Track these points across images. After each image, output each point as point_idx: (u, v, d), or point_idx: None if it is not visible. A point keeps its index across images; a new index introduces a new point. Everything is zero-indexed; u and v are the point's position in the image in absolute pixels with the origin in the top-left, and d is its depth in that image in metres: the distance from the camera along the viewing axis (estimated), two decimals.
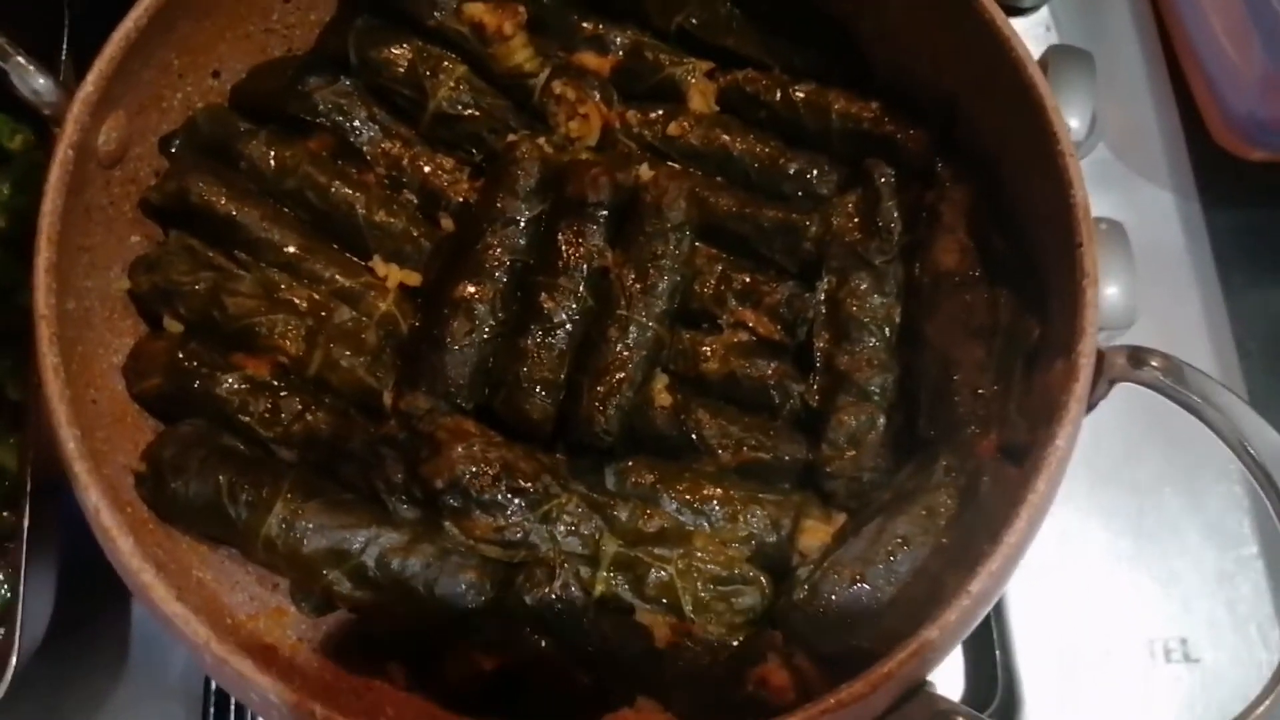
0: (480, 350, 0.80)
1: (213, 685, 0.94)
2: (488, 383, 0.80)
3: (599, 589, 0.75)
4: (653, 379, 0.82)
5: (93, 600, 0.91)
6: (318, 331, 0.79)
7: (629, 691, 0.72)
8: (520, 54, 0.87)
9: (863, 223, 0.84)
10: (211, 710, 0.93)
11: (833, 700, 0.61)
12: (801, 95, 0.88)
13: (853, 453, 0.79)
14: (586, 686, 0.72)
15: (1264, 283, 1.17)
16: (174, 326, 0.80)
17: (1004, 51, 0.77)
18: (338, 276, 0.82)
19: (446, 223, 0.86)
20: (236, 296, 0.79)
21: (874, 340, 0.82)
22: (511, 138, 0.85)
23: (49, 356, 0.65)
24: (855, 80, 0.89)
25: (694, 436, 0.81)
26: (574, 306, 0.81)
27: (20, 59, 0.70)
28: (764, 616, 0.75)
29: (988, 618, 0.89)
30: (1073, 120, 1.11)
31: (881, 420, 0.80)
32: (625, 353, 0.80)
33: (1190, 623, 1.00)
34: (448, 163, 0.87)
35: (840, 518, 0.79)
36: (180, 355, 0.78)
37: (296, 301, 0.80)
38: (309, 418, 0.78)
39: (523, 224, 0.82)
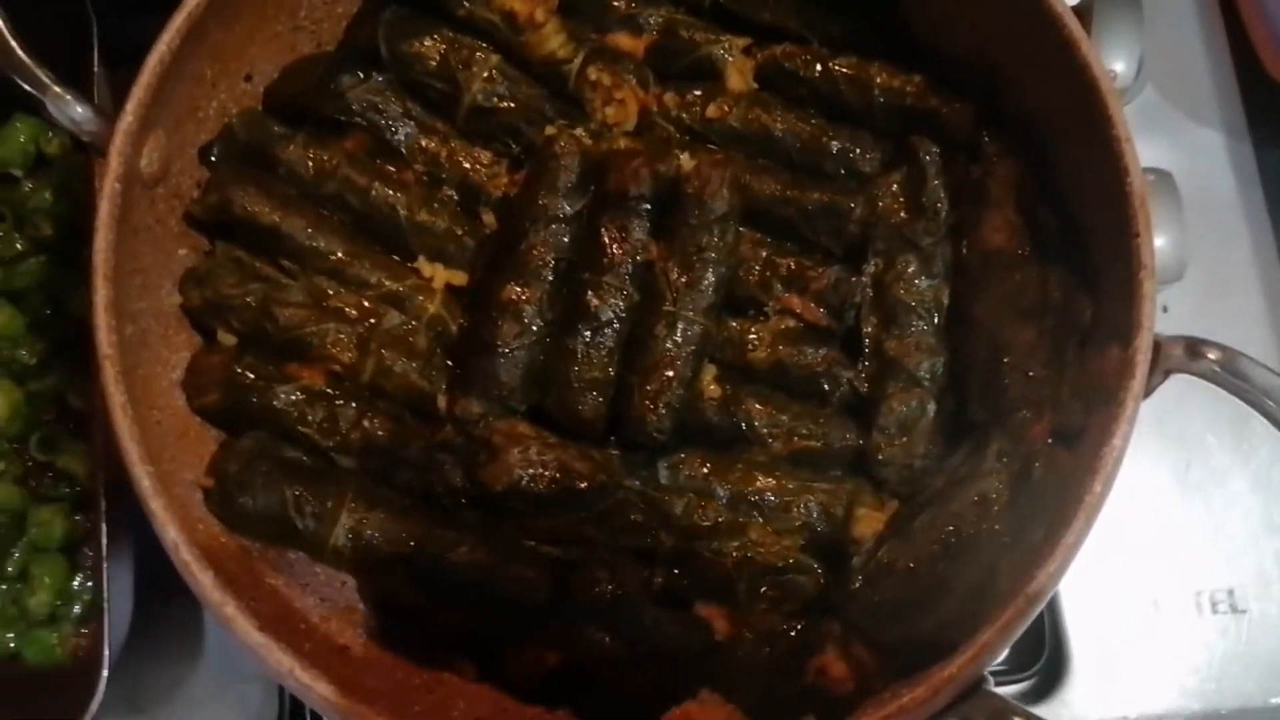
0: (530, 352, 0.81)
1: None
2: (539, 383, 0.81)
3: (657, 584, 0.77)
4: (701, 371, 0.82)
5: (166, 591, 0.94)
6: (369, 338, 0.80)
7: (691, 684, 0.75)
8: (553, 41, 0.85)
9: (908, 203, 0.83)
10: (289, 693, 0.97)
11: (895, 706, 0.63)
12: (842, 70, 0.86)
13: (904, 439, 0.80)
14: (650, 681, 0.75)
15: None
16: (227, 339, 0.81)
17: (1055, 27, 0.74)
18: (385, 280, 0.82)
19: (488, 218, 0.86)
20: (287, 307, 0.80)
21: (922, 324, 0.82)
22: (550, 130, 0.84)
23: (116, 395, 0.66)
24: (896, 48, 0.87)
25: (744, 426, 0.81)
26: (620, 304, 0.81)
27: (58, 89, 0.69)
28: (820, 606, 0.77)
29: None
30: (1119, 65, 1.08)
31: (932, 406, 0.81)
32: (673, 350, 0.80)
33: (1237, 574, 1.02)
34: (485, 156, 0.86)
35: (893, 504, 0.80)
36: (236, 369, 0.79)
37: (346, 309, 0.81)
38: (366, 425, 0.79)
39: (565, 221, 0.82)
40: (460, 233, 0.84)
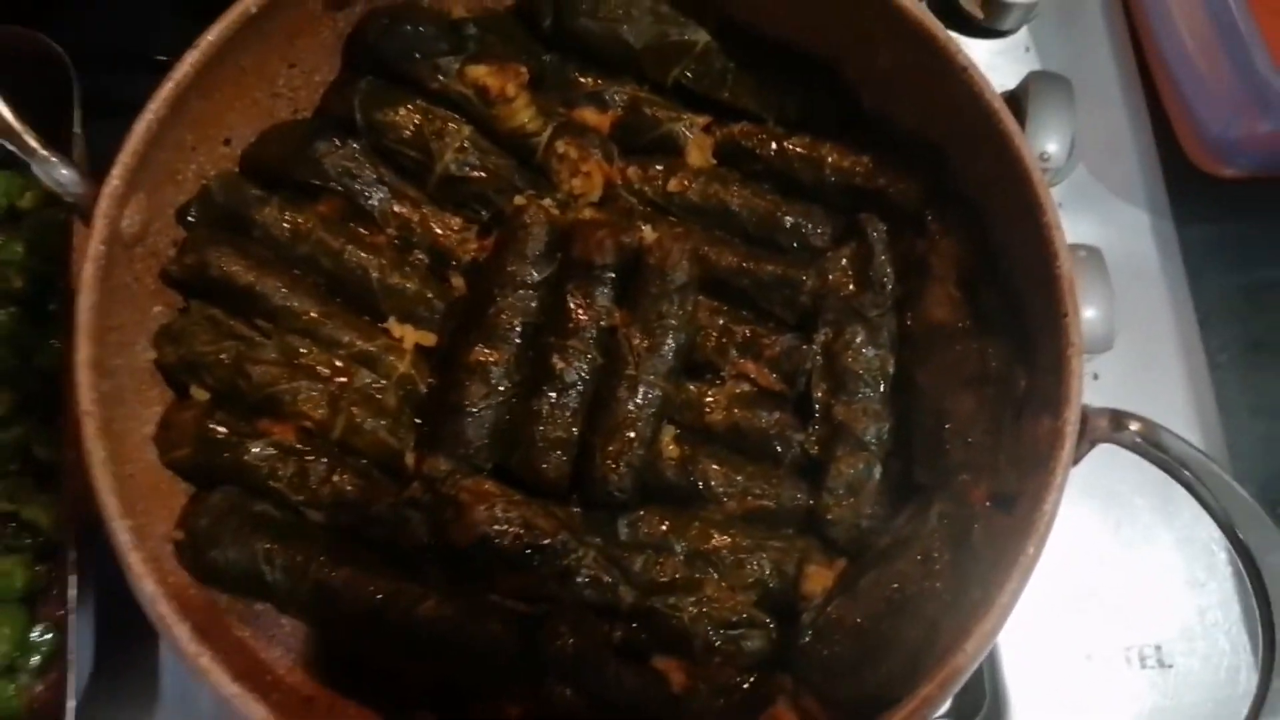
0: (497, 412, 0.84)
1: None
2: (505, 442, 0.84)
3: (617, 638, 0.80)
4: (660, 432, 0.86)
5: (124, 639, 0.94)
6: (340, 396, 0.83)
7: None
8: (523, 114, 0.89)
9: (857, 277, 0.88)
10: None
11: None
12: (796, 149, 0.91)
13: (851, 500, 0.84)
14: None
15: (1232, 295, 1.23)
16: (200, 395, 0.83)
17: (991, 120, 0.80)
18: (356, 340, 0.85)
19: (457, 281, 0.89)
20: (260, 365, 0.82)
21: (869, 391, 0.86)
22: (519, 200, 0.88)
23: (97, 451, 0.68)
24: (845, 125, 0.93)
25: (701, 486, 0.85)
26: (584, 367, 0.84)
27: (44, 152, 0.72)
28: (772, 659, 0.81)
29: None
30: (1052, 145, 1.15)
31: (878, 469, 0.85)
32: (635, 411, 0.83)
33: (1164, 629, 1.07)
34: (456, 222, 0.90)
35: (841, 562, 0.83)
36: (209, 424, 0.81)
37: (318, 367, 0.83)
38: (335, 480, 0.81)
39: (533, 287, 0.85)
40: (430, 295, 0.88)
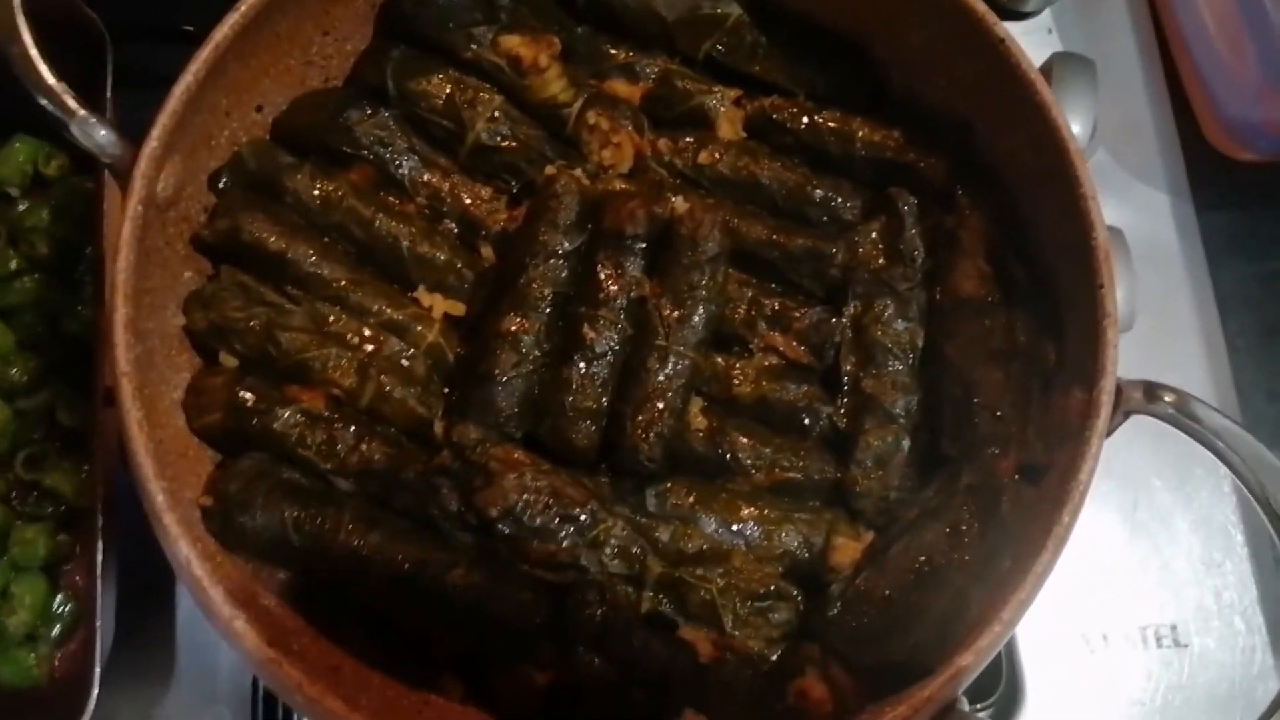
0: (527, 381, 0.84)
1: (260, 687, 0.98)
2: (534, 412, 0.84)
3: (645, 608, 0.80)
4: (689, 404, 0.86)
5: (140, 613, 0.94)
6: (369, 364, 0.83)
7: (677, 706, 0.77)
8: (555, 85, 0.89)
9: (887, 250, 0.88)
10: (260, 713, 0.97)
11: None
12: (827, 123, 0.91)
13: (879, 473, 0.84)
14: (638, 702, 0.77)
15: (1251, 281, 1.23)
16: (229, 361, 0.83)
17: (1028, 90, 0.80)
18: (386, 309, 0.85)
19: (486, 251, 0.89)
20: (290, 331, 0.82)
21: (898, 364, 0.86)
22: (549, 170, 0.88)
23: (133, 411, 0.68)
24: (874, 103, 0.93)
25: (729, 457, 0.85)
26: (614, 336, 0.84)
27: (84, 113, 0.71)
28: (800, 630, 0.81)
29: None
30: (1075, 127, 1.14)
31: (906, 442, 0.85)
32: (665, 382, 0.83)
33: (1180, 609, 1.07)
34: (485, 192, 0.89)
35: (869, 535, 0.84)
36: (238, 391, 0.81)
37: (347, 335, 0.83)
38: (364, 448, 0.81)
39: (564, 257, 0.85)
40: (459, 265, 0.87)
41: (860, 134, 0.91)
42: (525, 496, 0.80)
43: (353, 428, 0.82)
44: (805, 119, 0.91)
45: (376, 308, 0.85)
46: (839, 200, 0.91)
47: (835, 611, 0.80)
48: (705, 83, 0.92)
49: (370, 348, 0.83)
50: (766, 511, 0.84)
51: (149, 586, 0.94)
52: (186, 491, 0.78)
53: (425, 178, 0.88)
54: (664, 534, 0.82)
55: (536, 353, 0.84)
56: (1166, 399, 0.75)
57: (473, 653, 0.80)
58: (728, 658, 0.79)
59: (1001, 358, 0.84)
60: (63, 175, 0.97)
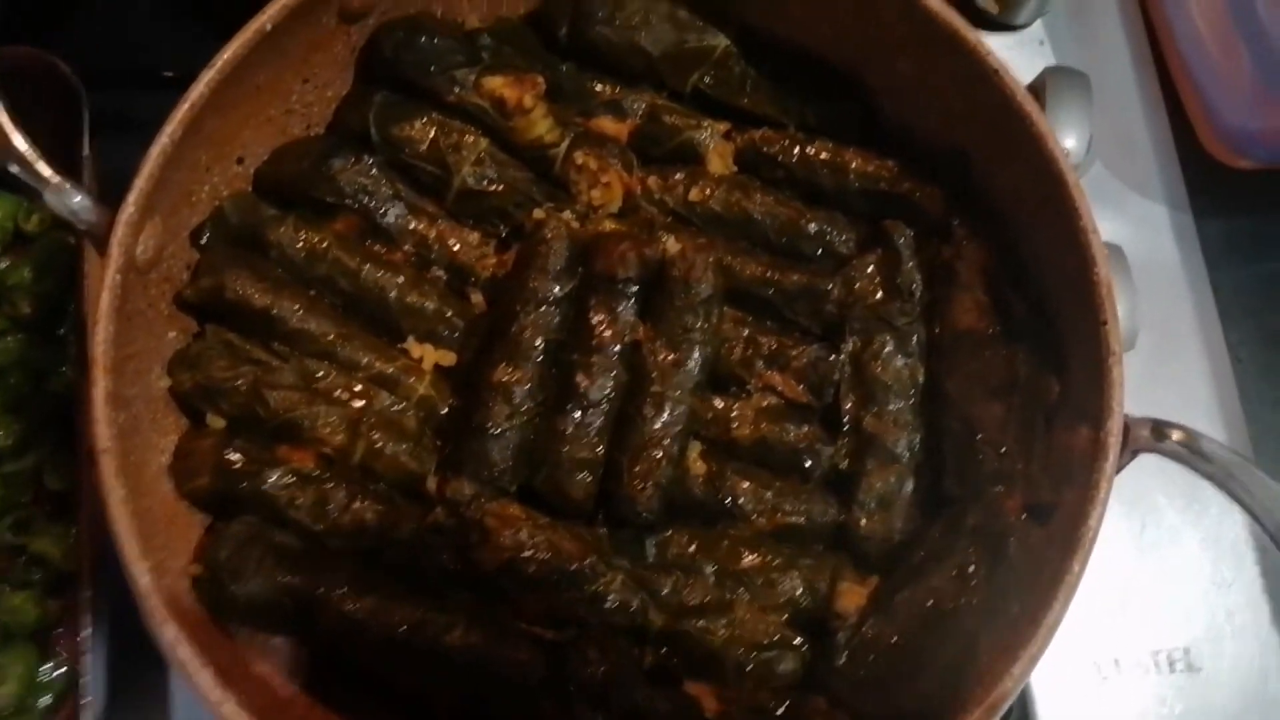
0: (521, 432, 0.82)
1: None
2: (529, 463, 0.82)
3: (647, 662, 0.79)
4: (687, 449, 0.84)
5: (133, 669, 0.92)
6: (359, 420, 0.81)
7: None
8: (541, 125, 0.87)
9: (884, 284, 0.87)
10: None
11: None
12: (819, 155, 0.90)
13: (883, 514, 0.83)
14: None
15: (1252, 288, 1.22)
16: (217, 422, 0.81)
17: (1023, 121, 0.79)
18: (375, 362, 0.83)
19: (476, 298, 0.88)
20: (278, 390, 0.80)
21: (899, 401, 0.85)
22: (538, 213, 0.86)
23: (116, 490, 0.66)
24: (866, 133, 0.91)
25: (729, 503, 0.83)
26: (609, 383, 0.83)
27: (58, 181, 0.70)
28: (806, 680, 0.79)
29: None
30: (1070, 141, 1.13)
31: (910, 482, 0.83)
32: (661, 429, 0.82)
33: (1192, 632, 1.06)
34: (474, 237, 0.88)
35: (874, 579, 0.82)
36: (226, 452, 0.79)
37: (337, 391, 0.81)
38: (356, 507, 0.80)
39: (555, 303, 0.84)
40: (449, 313, 0.86)
41: (854, 165, 0.89)
42: (523, 553, 0.78)
43: (344, 486, 0.80)
44: (797, 151, 0.90)
45: (366, 361, 0.83)
46: (834, 234, 0.89)
47: (842, 661, 0.78)
48: (694, 117, 0.91)
49: (360, 403, 0.82)
50: (769, 558, 0.82)
51: (140, 649, 0.92)
52: (176, 560, 0.77)
53: (412, 225, 0.87)
54: (665, 585, 0.80)
55: (530, 403, 0.82)
56: (1175, 437, 0.73)
57: (473, 713, 0.78)
58: (733, 712, 0.78)
59: (1003, 392, 0.83)
60: (44, 230, 0.95)
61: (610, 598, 0.78)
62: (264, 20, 0.76)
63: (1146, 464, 1.09)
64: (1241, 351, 1.18)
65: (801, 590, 0.81)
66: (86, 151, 0.86)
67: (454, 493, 0.80)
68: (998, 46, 1.21)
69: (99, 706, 0.84)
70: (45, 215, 0.94)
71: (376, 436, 0.81)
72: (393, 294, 0.84)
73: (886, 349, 0.85)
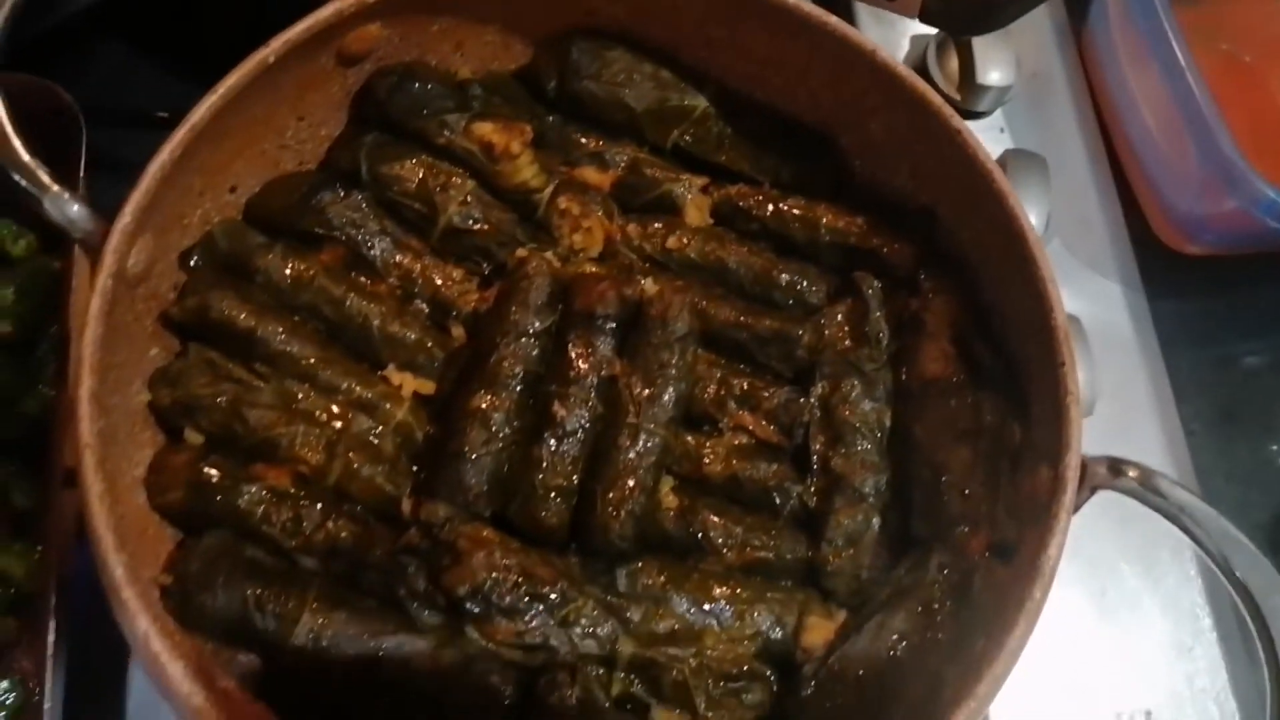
0: (496, 459, 0.83)
1: None
2: (504, 490, 0.83)
3: (617, 689, 0.78)
4: (660, 482, 0.85)
5: (87, 700, 0.90)
6: (337, 442, 0.82)
7: None
8: (526, 171, 0.91)
9: (853, 332, 0.90)
10: None
11: None
12: (792, 210, 0.94)
13: (851, 552, 0.84)
14: None
15: (1204, 367, 1.26)
16: (194, 438, 0.81)
17: (985, 180, 0.83)
18: (355, 386, 0.84)
19: (457, 331, 0.90)
20: (257, 408, 0.81)
21: (867, 443, 0.87)
22: (521, 253, 0.89)
23: (95, 484, 0.66)
24: (838, 188, 0.96)
25: (700, 537, 0.84)
26: (585, 414, 0.84)
27: (57, 188, 0.72)
28: (773, 712, 0.79)
29: None
30: (1031, 217, 1.18)
31: (876, 520, 0.85)
32: (635, 459, 0.83)
33: (1154, 695, 1.06)
34: (457, 273, 0.90)
35: (841, 614, 0.83)
36: (202, 468, 0.80)
37: (315, 412, 0.82)
38: (330, 526, 0.80)
39: (534, 336, 0.86)
40: (430, 344, 0.88)
41: (825, 220, 0.93)
42: (494, 575, 0.78)
43: (319, 505, 0.80)
44: (770, 206, 0.94)
45: (345, 385, 0.84)
46: (805, 284, 0.92)
47: (809, 692, 0.78)
48: (673, 170, 0.95)
49: (338, 425, 0.83)
50: (739, 591, 0.83)
51: (97, 677, 0.91)
52: (146, 570, 0.76)
53: (397, 259, 0.89)
54: (635, 614, 0.80)
55: (506, 430, 0.84)
56: (1131, 474, 0.76)
57: None
58: None
59: (969, 437, 0.85)
60: (29, 255, 0.96)
61: (581, 623, 0.78)
62: (267, 53, 0.80)
63: (1106, 528, 1.12)
64: (1195, 425, 1.23)
65: (770, 623, 0.81)
66: (82, 175, 0.88)
67: (428, 515, 0.81)
68: None
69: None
70: (31, 240, 0.96)
71: (353, 457, 0.81)
72: (375, 323, 0.86)
73: (854, 393, 0.88)
